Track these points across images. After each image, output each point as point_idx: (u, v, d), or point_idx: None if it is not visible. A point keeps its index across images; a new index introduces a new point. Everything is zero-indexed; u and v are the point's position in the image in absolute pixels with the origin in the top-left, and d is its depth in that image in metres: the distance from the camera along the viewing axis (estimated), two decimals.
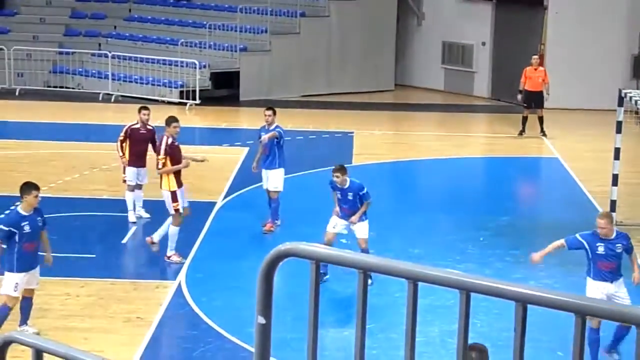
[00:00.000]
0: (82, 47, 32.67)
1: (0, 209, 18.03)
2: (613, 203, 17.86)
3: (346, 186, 14.76)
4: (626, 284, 12.36)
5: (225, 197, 19.65)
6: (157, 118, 28.04)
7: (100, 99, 30.29)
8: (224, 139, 25.36)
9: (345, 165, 15.41)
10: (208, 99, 29.85)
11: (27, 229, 12.33)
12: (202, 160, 16.91)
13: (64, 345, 3.24)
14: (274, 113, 17.67)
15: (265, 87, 31.30)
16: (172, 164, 15.66)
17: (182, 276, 15.07)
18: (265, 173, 17.35)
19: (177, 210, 15.62)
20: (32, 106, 29.27)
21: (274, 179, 17.22)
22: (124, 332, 13.00)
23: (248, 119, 28.60)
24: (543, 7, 30.69)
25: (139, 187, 17.81)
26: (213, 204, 18.95)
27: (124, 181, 17.65)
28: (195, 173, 21.66)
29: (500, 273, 15.57)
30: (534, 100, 25.70)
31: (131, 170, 17.57)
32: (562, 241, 12.48)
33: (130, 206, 17.66)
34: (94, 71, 31.61)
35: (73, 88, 31.63)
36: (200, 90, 29.72)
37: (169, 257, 15.60)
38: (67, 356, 3.11)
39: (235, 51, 31.06)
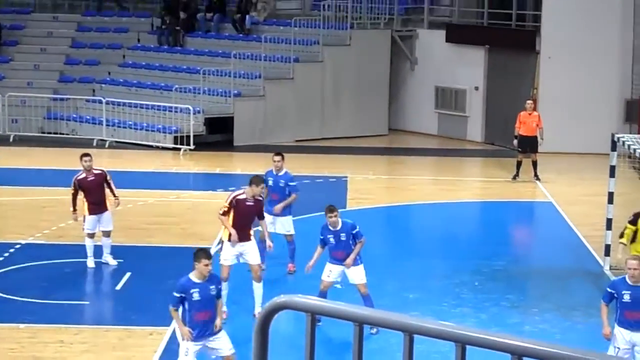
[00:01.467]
0: (76, 93, 32.76)
1: None
2: (607, 247, 17.86)
3: (339, 227, 14.74)
4: None
5: (219, 242, 19.59)
6: (151, 163, 28.22)
7: (94, 144, 30.32)
8: (218, 184, 25.35)
9: (340, 210, 15.42)
10: (202, 144, 29.90)
11: (196, 297, 11.84)
12: (269, 246, 15.81)
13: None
14: (283, 158, 17.69)
15: (259, 132, 31.38)
16: (235, 219, 15.09)
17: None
18: (273, 218, 17.29)
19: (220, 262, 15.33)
20: (26, 152, 29.29)
21: (285, 224, 17.41)
22: None
23: (242, 164, 28.63)
24: (535, 52, 30.87)
25: (106, 234, 17.71)
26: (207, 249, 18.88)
27: (84, 230, 17.56)
28: (187, 218, 21.66)
29: (495, 318, 15.54)
30: (529, 144, 25.78)
31: (91, 219, 17.46)
32: (603, 304, 12.38)
33: (89, 252, 17.56)
34: (88, 117, 31.68)
35: (67, 134, 31.68)
36: (194, 136, 29.78)
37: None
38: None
39: (229, 96, 31.17)
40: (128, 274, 17.36)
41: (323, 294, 14.76)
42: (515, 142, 26.08)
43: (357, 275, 14.75)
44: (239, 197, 15.20)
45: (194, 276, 11.96)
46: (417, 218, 23.49)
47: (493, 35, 32.27)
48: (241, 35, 34.26)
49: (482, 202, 25.06)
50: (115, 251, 18.06)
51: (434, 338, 2.41)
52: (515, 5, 31.87)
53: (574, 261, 18.96)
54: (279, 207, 17.14)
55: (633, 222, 15.61)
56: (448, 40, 32.88)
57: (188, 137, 29.70)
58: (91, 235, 17.56)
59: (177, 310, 11.81)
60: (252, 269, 15.31)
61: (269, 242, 15.69)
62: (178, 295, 11.84)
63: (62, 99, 32.47)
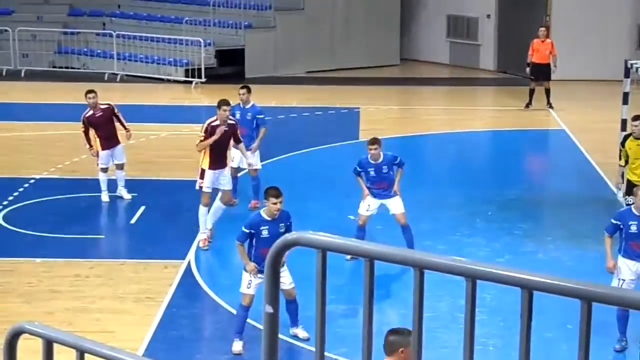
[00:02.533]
0: (86, 27, 32.63)
1: (8, 190, 18.16)
2: (621, 175, 17.81)
3: (380, 160, 14.70)
4: None
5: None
6: (163, 97, 28.19)
7: (105, 78, 30.29)
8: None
9: (353, 141, 15.42)
10: (213, 77, 29.83)
11: (265, 234, 11.86)
12: (249, 165, 16.31)
13: (72, 334, 3.25)
14: (249, 91, 17.54)
15: (270, 64, 31.26)
16: (212, 146, 15.22)
17: (191, 255, 15.11)
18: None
19: (201, 188, 15.48)
20: (37, 87, 29.28)
21: (253, 158, 16.96)
22: (135, 313, 13.06)
23: (254, 96, 28.38)
24: None
25: (120, 166, 17.79)
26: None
27: (98, 165, 17.61)
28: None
29: (508, 246, 15.60)
30: (541, 72, 25.61)
31: (104, 154, 17.49)
32: (606, 235, 12.16)
33: (103, 187, 17.62)
34: (99, 51, 31.59)
35: (78, 68, 31.63)
36: (205, 68, 29.69)
37: (200, 240, 15.54)
38: (77, 346, 3.12)
39: (240, 28, 31.01)
40: (142, 208, 17.44)
41: (362, 229, 14.77)
42: (528, 69, 25.93)
43: (396, 205, 14.79)
44: (212, 123, 15.26)
45: (264, 213, 11.99)
46: (430, 148, 23.48)
47: None
48: None
49: (495, 131, 25.01)
50: (129, 185, 18.12)
51: (444, 273, 2.42)
52: None
53: (587, 189, 18.96)
54: (254, 146, 16.75)
55: (622, 143, 15.50)
56: None
57: (199, 69, 29.62)
58: (105, 170, 17.62)
59: (242, 244, 11.87)
60: (225, 194, 15.50)
61: (249, 161, 16.09)
62: (247, 230, 11.86)
63: (72, 33, 32.36)
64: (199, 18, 31.45)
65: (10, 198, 17.80)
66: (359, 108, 26.22)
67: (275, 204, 11.90)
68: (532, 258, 15.09)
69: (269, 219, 11.95)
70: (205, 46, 29.88)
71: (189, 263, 14.82)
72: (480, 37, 32.62)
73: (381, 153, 14.70)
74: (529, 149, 23.78)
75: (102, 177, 17.62)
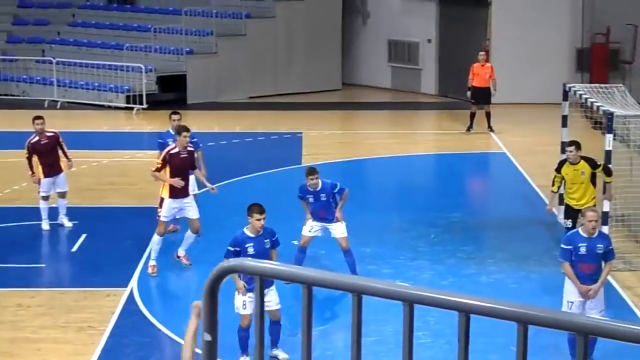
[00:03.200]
0: (25, 54, 32.37)
1: None
2: (561, 196, 18.01)
3: (319, 188, 14.75)
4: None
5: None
6: (104, 123, 28.00)
7: (45, 105, 30.02)
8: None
9: (295, 166, 15.44)
10: (155, 103, 29.71)
11: (250, 251, 11.93)
12: (212, 189, 15.90)
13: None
14: (181, 117, 17.26)
15: (212, 90, 31.23)
16: (172, 174, 15.04)
17: (133, 283, 14.98)
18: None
19: (158, 217, 15.38)
20: None
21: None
22: (77, 342, 12.91)
23: (196, 122, 28.47)
24: (487, 3, 30.91)
25: (62, 195, 17.65)
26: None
27: (39, 193, 17.46)
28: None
29: (452, 269, 15.67)
30: (482, 96, 25.88)
31: (46, 181, 17.38)
32: (564, 263, 12.09)
33: (44, 215, 17.46)
34: (38, 78, 31.34)
35: (18, 95, 31.33)
36: (147, 94, 29.58)
37: (149, 266, 15.38)
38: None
39: (182, 54, 30.95)
40: (84, 236, 17.28)
41: (303, 250, 14.82)
42: (468, 93, 26.17)
43: (338, 229, 14.86)
44: (171, 151, 15.17)
45: (248, 231, 12.05)
46: (372, 172, 23.56)
47: None
48: None
49: (437, 155, 25.16)
50: (70, 213, 17.95)
51: (382, 298, 2.43)
52: None
53: (528, 211, 19.13)
54: (203, 172, 16.14)
55: (557, 169, 15.66)
56: None
57: (140, 96, 29.50)
58: (46, 198, 17.45)
59: None
60: (192, 223, 15.38)
61: (210, 187, 15.79)
62: (232, 249, 11.93)
63: (11, 60, 32.07)
64: (140, 44, 31.34)
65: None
66: (301, 133, 26.25)
67: (259, 220, 11.97)
68: (475, 280, 15.17)
69: (253, 235, 12.03)
70: (146, 72, 29.77)
71: (131, 291, 14.69)
72: (422, 62, 32.86)
73: (320, 182, 14.74)
74: (471, 172, 23.95)
75: (43, 206, 17.45)
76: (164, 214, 15.28)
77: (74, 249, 16.73)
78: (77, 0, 35.11)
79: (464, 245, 16.91)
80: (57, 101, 30.30)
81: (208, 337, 2.65)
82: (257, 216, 11.96)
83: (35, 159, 17.37)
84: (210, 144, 24.64)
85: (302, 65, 32.82)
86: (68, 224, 17.69)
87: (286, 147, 24.90)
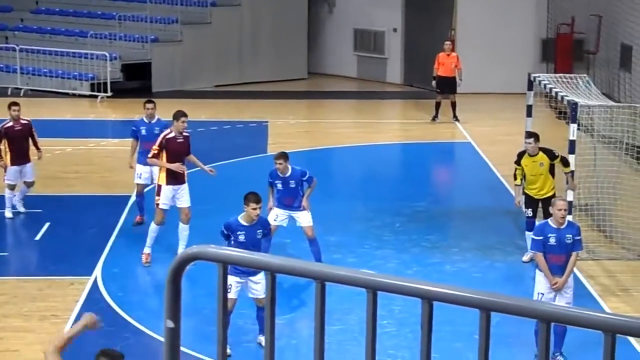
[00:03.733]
0: None
1: None
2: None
3: (288, 174, 14.70)
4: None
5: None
6: (68, 111, 27.81)
7: (9, 93, 29.74)
8: None
9: (261, 155, 15.41)
10: (120, 91, 29.54)
11: (241, 238, 11.96)
12: (210, 171, 15.80)
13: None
14: (155, 106, 17.27)
15: (177, 78, 31.09)
16: (168, 159, 14.92)
17: (97, 272, 14.91)
18: (150, 168, 16.62)
19: (157, 205, 15.12)
20: None
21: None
22: (40, 331, 12.83)
23: (161, 111, 28.19)
24: None
25: (28, 185, 17.52)
26: (127, 197, 18.76)
27: (5, 181, 17.30)
28: (108, 166, 21.45)
29: (416, 258, 15.71)
30: (447, 86, 25.97)
31: (13, 170, 17.21)
32: (537, 254, 12.03)
33: (8, 204, 17.32)
34: (1, 65, 31.06)
35: None
36: (111, 82, 29.40)
37: (144, 254, 15.28)
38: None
39: (147, 42, 30.79)
40: (47, 224, 17.16)
41: None
42: (434, 83, 26.24)
43: (304, 218, 14.83)
44: (167, 136, 15.05)
45: (242, 219, 12.09)
46: (338, 161, 23.57)
47: None
48: None
49: (402, 144, 25.20)
50: (34, 201, 17.83)
51: (346, 285, 2.42)
52: None
53: (493, 201, 19.22)
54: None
55: (517, 162, 15.70)
56: None
57: (105, 84, 29.32)
58: (12, 187, 17.30)
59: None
60: (182, 211, 15.22)
61: (208, 169, 15.68)
62: (225, 231, 12.09)
63: None
64: (104, 32, 31.14)
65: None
66: (267, 122, 26.21)
67: (255, 209, 12.00)
68: (440, 269, 15.23)
69: (246, 224, 12.07)
70: (111, 60, 29.59)
71: (95, 279, 14.62)
72: (387, 51, 32.88)
73: (289, 167, 14.71)
74: (436, 162, 24.02)
75: (8, 195, 17.30)
76: (162, 201, 15.05)
77: (38, 237, 16.62)
78: None
79: (428, 235, 16.96)
80: (20, 89, 30.04)
81: (171, 324, 2.63)
82: (253, 205, 11.99)
83: (4, 146, 17.21)
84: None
85: (268, 54, 32.75)
86: (22, 209, 17.54)
87: (252, 135, 24.84)
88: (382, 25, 32.76)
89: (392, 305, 12.87)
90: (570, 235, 12.04)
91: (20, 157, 17.24)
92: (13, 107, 17.38)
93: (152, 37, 30.83)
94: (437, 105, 26.20)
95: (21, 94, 29.74)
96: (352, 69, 33.87)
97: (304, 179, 14.84)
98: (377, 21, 32.79)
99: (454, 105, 26.22)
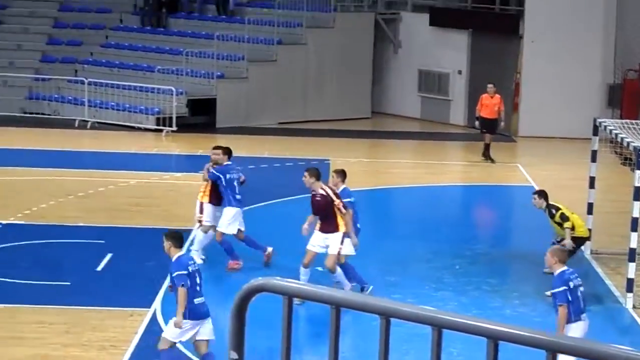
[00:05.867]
0: (58, 74, 32.59)
1: None
2: (589, 232, 17.92)
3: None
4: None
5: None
6: (133, 145, 28.12)
7: (76, 125, 30.20)
8: (200, 166, 25.17)
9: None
10: (185, 126, 29.82)
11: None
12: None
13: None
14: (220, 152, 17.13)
15: (242, 114, 31.31)
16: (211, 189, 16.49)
17: (157, 304, 14.99)
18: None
19: (199, 222, 16.50)
20: (7, 133, 29.13)
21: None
22: None
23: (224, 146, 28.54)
24: (518, 36, 30.90)
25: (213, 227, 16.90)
26: (189, 231, 18.87)
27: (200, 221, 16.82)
28: (168, 200, 21.63)
29: (476, 301, 15.59)
30: (488, 126, 26.23)
31: (212, 210, 16.67)
32: (562, 308, 11.78)
33: (198, 247, 16.83)
34: (70, 97, 31.53)
35: (49, 114, 31.51)
36: (176, 117, 29.70)
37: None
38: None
39: (212, 78, 31.08)
40: (109, 255, 17.32)
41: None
42: (476, 123, 26.53)
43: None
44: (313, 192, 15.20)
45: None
46: (399, 201, 23.52)
47: (476, 19, 32.29)
48: (224, 16, 34.15)
49: (464, 186, 25.10)
50: (97, 232, 18.02)
51: (410, 321, 2.41)
52: None
53: None
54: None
55: (562, 217, 16.48)
56: (432, 23, 32.87)
57: (170, 118, 29.62)
58: (205, 228, 16.78)
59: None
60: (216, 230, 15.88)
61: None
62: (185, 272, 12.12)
63: (44, 79, 32.31)
64: (171, 67, 31.51)
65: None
66: (329, 160, 26.26)
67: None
68: (499, 313, 15.09)
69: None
70: (177, 95, 29.90)
71: (154, 311, 14.70)
72: (451, 93, 32.85)
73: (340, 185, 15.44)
74: (498, 204, 23.86)
75: (200, 237, 16.87)
76: (206, 218, 16.25)
77: (99, 268, 16.78)
78: (111, 22, 35.35)
79: (489, 278, 16.83)
80: (87, 121, 30.46)
81: (234, 356, 2.65)
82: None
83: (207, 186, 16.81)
84: (238, 168, 24.68)
85: (332, 93, 32.88)
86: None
87: None
88: (447, 67, 32.75)
89: (450, 347, 12.77)
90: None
91: (219, 199, 16.72)
92: (214, 151, 17.07)
93: (218, 73, 31.12)
94: (486, 147, 26.36)
95: (88, 127, 30.18)
96: (415, 109, 33.86)
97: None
98: (442, 63, 32.80)
99: (488, 146, 26.46)
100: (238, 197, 16.46)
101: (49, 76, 32.37)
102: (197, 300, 11.94)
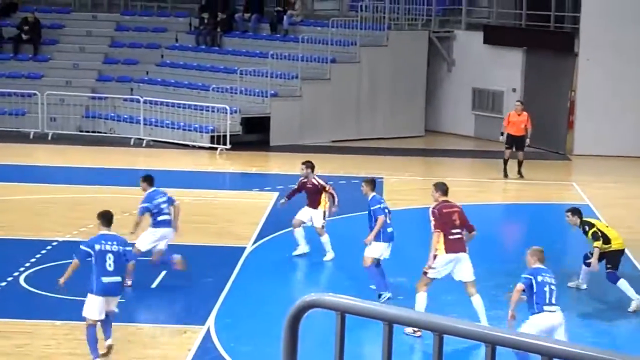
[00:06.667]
0: (114, 92, 32.94)
1: (30, 252, 18.19)
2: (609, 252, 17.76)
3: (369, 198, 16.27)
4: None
5: (255, 242, 19.66)
6: (188, 163, 28.31)
7: (131, 143, 30.49)
8: (254, 184, 25.41)
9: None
10: (238, 144, 29.97)
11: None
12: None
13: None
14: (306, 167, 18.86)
15: (295, 133, 31.41)
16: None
17: (211, 321, 15.05)
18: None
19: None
20: (64, 150, 29.49)
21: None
22: None
23: (278, 164, 28.71)
24: (574, 54, 30.69)
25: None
26: (242, 248, 18.97)
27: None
28: (225, 217, 21.73)
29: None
30: (516, 143, 26.46)
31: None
32: (519, 284, 13.38)
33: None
34: (125, 116, 31.85)
35: (105, 132, 31.86)
36: (230, 135, 29.86)
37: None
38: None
39: (266, 96, 31.23)
40: (163, 272, 17.42)
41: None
42: (501, 138, 26.96)
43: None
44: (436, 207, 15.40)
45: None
46: None
47: (531, 37, 32.13)
48: (279, 35, 34.33)
49: (518, 205, 24.93)
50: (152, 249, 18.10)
51: (463, 338, 2.40)
52: (554, 7, 31.69)
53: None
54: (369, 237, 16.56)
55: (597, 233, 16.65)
56: (486, 41, 32.77)
57: (225, 136, 29.79)
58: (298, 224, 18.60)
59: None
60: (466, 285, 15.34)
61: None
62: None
63: (100, 98, 32.67)
64: (226, 85, 31.70)
65: (32, 260, 17.83)
66: (382, 178, 26.23)
67: None
68: None
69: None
70: (231, 113, 30.08)
71: (208, 329, 14.76)
72: (505, 111, 32.64)
73: (370, 194, 16.26)
74: (553, 223, 23.64)
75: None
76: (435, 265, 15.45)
77: (154, 285, 16.88)
78: (167, 41, 35.68)
79: None
80: (142, 139, 30.74)
81: None
82: None
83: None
84: (292, 186, 24.74)
85: (385, 111, 32.88)
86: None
87: None
88: (501, 84, 32.61)
89: None
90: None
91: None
92: (302, 166, 19.26)
93: (272, 91, 31.26)
94: (505, 162, 26.63)
95: (143, 145, 30.44)
96: (469, 127, 33.74)
97: (371, 208, 16.11)
98: (496, 81, 32.67)
99: (520, 163, 26.60)
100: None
101: (105, 95, 32.72)
102: (105, 279, 13.27)
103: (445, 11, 34.99)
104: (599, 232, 16.49)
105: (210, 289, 16.39)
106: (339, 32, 32.67)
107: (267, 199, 23.35)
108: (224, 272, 17.37)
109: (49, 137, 31.29)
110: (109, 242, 13.38)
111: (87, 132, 32.03)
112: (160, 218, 16.89)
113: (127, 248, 13.69)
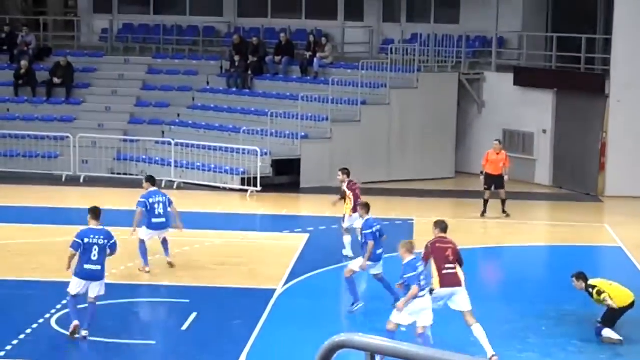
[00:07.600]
0: (146, 135, 33.17)
1: (62, 294, 18.28)
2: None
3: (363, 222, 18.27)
4: None
5: (285, 283, 19.68)
6: (218, 205, 28.43)
7: (163, 185, 30.60)
8: (284, 226, 25.45)
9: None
10: (269, 186, 30.06)
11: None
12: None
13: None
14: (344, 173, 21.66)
15: (325, 174, 31.44)
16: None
17: None
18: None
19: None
20: (96, 193, 29.67)
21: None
22: None
23: (308, 206, 28.74)
24: (605, 96, 30.63)
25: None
26: (273, 290, 18.99)
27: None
28: (255, 259, 21.77)
29: None
30: (495, 182, 26.68)
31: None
32: (414, 287, 14.49)
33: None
34: (157, 158, 32.05)
35: (137, 175, 32.04)
36: (261, 177, 29.96)
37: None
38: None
39: (297, 138, 31.34)
40: (194, 314, 17.46)
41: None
42: (481, 178, 26.95)
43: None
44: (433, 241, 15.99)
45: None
46: (483, 261, 23.34)
47: (561, 79, 32.11)
48: (309, 77, 34.52)
49: (549, 246, 24.82)
50: (182, 291, 18.20)
51: None
52: (584, 49, 31.69)
53: None
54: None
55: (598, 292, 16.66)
56: (516, 83, 32.79)
57: (255, 178, 29.89)
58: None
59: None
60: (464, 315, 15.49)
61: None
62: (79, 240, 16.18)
63: (132, 141, 32.91)
64: (256, 128, 31.86)
65: (64, 302, 17.91)
66: (413, 220, 26.21)
67: None
68: None
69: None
70: (261, 155, 30.20)
71: None
72: (536, 152, 32.62)
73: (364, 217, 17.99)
74: (585, 265, 23.47)
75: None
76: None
77: (185, 327, 16.91)
78: (198, 84, 35.96)
79: (575, 339, 16.58)
80: (173, 181, 30.90)
81: None
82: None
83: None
84: (322, 227, 24.82)
85: (415, 153, 32.90)
86: None
87: (397, 233, 24.80)
88: (531, 126, 32.58)
89: None
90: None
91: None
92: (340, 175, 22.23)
93: (303, 133, 31.38)
94: (485, 202, 26.71)
95: (174, 187, 30.59)
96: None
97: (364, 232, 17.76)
98: (526, 122, 32.64)
99: (503, 202, 26.70)
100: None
101: (136, 138, 32.96)
102: (87, 266, 15.63)
103: (475, 53, 35.07)
104: (602, 289, 16.68)
105: (241, 330, 16.41)
106: (369, 74, 32.80)
107: (297, 241, 23.38)
108: (254, 314, 17.38)
109: (81, 180, 31.51)
110: (97, 236, 15.89)
111: (119, 174, 32.24)
112: (155, 220, 19.32)
113: (112, 241, 15.99)
